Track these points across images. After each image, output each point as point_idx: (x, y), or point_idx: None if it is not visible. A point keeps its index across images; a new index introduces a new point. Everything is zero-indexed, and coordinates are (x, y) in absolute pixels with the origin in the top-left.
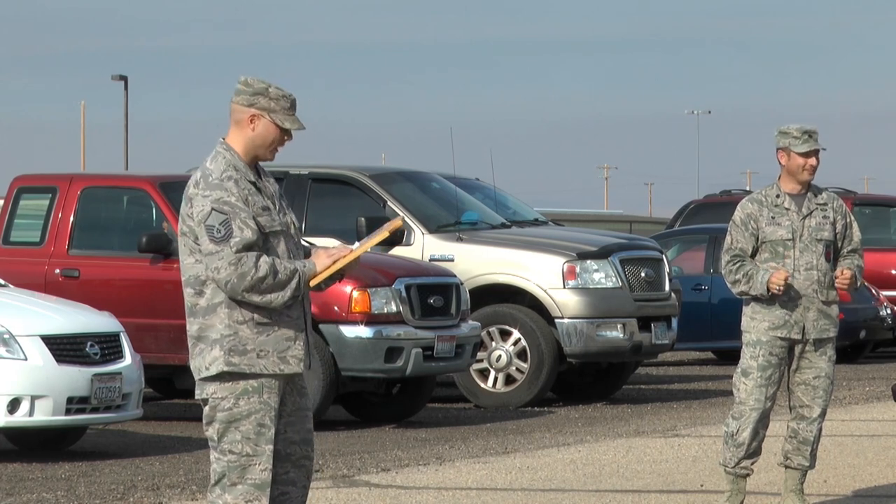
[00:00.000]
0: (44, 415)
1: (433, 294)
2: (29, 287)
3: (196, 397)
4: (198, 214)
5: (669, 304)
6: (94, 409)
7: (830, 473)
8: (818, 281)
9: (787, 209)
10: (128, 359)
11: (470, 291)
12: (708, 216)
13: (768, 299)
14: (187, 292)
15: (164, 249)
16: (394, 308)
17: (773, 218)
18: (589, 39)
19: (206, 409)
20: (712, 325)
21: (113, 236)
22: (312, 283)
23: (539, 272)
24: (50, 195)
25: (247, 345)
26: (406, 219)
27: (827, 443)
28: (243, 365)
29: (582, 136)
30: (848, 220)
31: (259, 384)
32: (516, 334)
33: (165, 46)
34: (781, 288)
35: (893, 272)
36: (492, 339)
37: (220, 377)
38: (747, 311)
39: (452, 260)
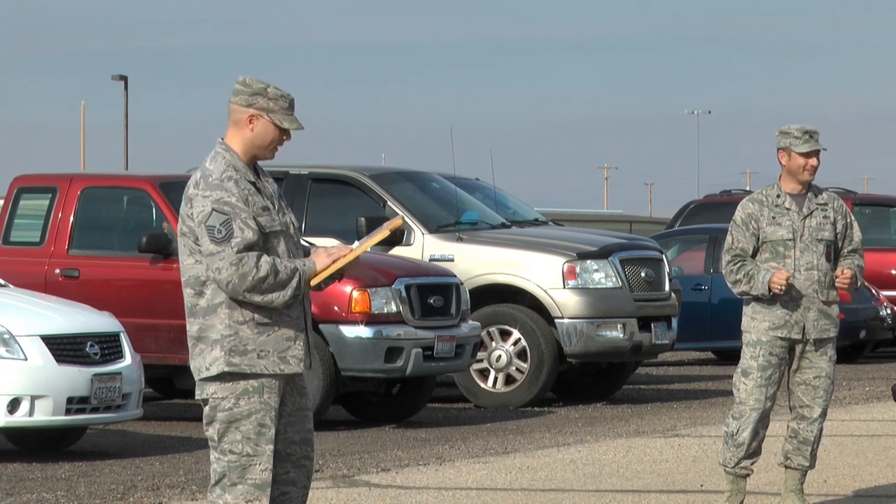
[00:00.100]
0: (44, 415)
1: (433, 294)
2: (29, 287)
3: (196, 397)
4: (198, 215)
5: (669, 304)
6: (94, 409)
7: (830, 473)
8: (818, 281)
9: (788, 209)
10: (128, 359)
11: (470, 291)
12: (708, 216)
13: (769, 299)
14: (187, 293)
15: (164, 249)
16: (394, 308)
17: (773, 218)
18: (589, 39)
19: (206, 410)
20: (712, 325)
21: (113, 236)
22: (312, 282)
23: (539, 272)
24: (50, 195)
25: (247, 345)
26: (406, 219)
27: (827, 443)
28: (244, 365)
29: (582, 136)
30: (848, 220)
31: (259, 384)
32: (516, 334)
33: (165, 46)
34: (783, 288)
35: (893, 272)
36: (492, 339)
37: (221, 377)
38: (748, 311)
39: (452, 260)
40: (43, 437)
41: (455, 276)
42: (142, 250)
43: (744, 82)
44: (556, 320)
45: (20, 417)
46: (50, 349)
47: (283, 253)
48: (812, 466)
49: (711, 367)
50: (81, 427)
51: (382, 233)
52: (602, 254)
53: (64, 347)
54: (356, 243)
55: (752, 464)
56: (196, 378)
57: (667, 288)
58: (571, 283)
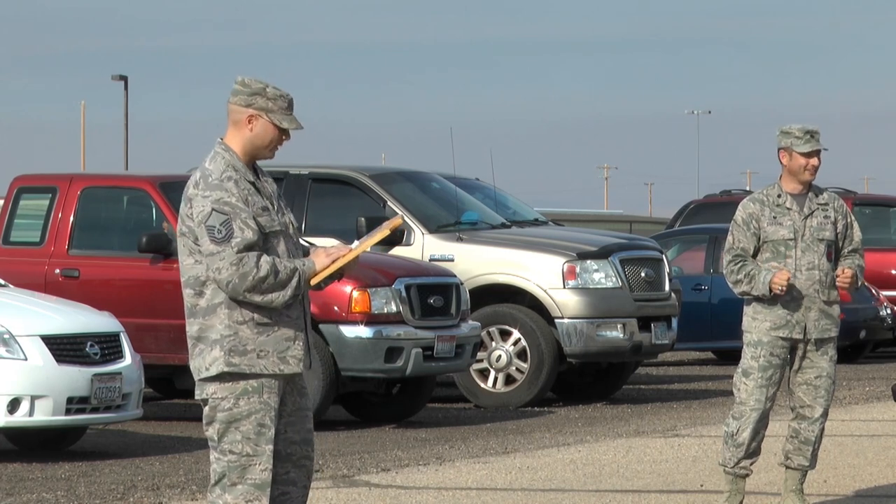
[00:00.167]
0: (44, 415)
1: (433, 294)
2: (29, 287)
3: (196, 397)
4: (198, 215)
5: (669, 304)
6: (94, 409)
7: (830, 473)
8: (820, 281)
9: (789, 209)
10: (128, 359)
11: (470, 291)
12: (708, 216)
13: (770, 299)
14: (187, 293)
15: (164, 249)
16: (394, 308)
17: (774, 218)
18: (589, 39)
19: (206, 410)
20: (712, 325)
21: (113, 236)
22: (312, 282)
23: (539, 272)
24: (50, 195)
25: (247, 345)
26: (406, 219)
27: (827, 443)
28: (243, 365)
29: (582, 136)
30: (849, 220)
31: (259, 384)
32: (516, 334)
33: (165, 46)
34: (784, 289)
35: (893, 272)
36: (492, 339)
37: (220, 377)
38: (748, 311)
39: (452, 260)
40: (43, 437)
41: (455, 276)
42: (142, 250)
43: (744, 82)
44: (556, 320)
45: (20, 417)
46: (50, 349)
47: (283, 253)
48: (812, 467)
49: (711, 367)
50: (81, 427)
51: (382, 232)
52: (602, 254)
53: (64, 347)
54: (355, 243)
55: (751, 464)
56: (196, 378)
57: (667, 288)
58: (571, 283)
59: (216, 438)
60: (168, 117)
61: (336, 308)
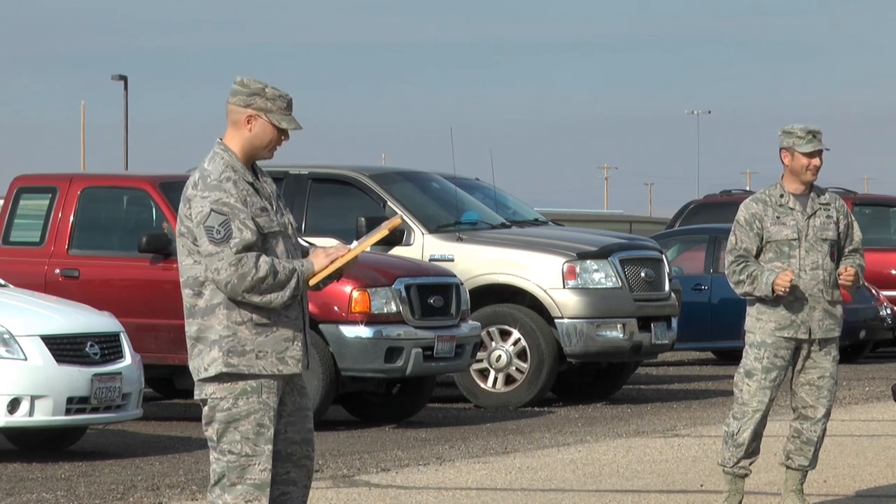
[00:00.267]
0: (44, 415)
1: (433, 294)
2: (29, 287)
3: (195, 398)
4: (197, 215)
5: (669, 304)
6: (94, 409)
7: (830, 473)
8: (823, 280)
9: (792, 209)
10: (128, 359)
11: (470, 291)
12: (708, 216)
13: (773, 300)
14: (186, 293)
15: (164, 249)
16: (394, 308)
17: (777, 218)
18: (589, 39)
19: (205, 410)
20: (712, 325)
21: (113, 236)
22: (311, 282)
23: (539, 272)
24: (50, 195)
25: (245, 345)
26: (406, 219)
27: (827, 443)
28: (242, 366)
29: (582, 136)
30: (850, 220)
31: (258, 384)
32: (516, 334)
33: (165, 46)
34: (787, 290)
35: (893, 272)
36: (492, 339)
37: (219, 378)
38: (752, 311)
39: (452, 260)
40: (43, 437)
41: (455, 276)
42: (142, 250)
43: (744, 82)
44: (556, 320)
45: (20, 417)
46: (50, 349)
47: (282, 253)
48: (813, 467)
49: (711, 367)
50: (81, 427)
51: (381, 232)
52: (602, 254)
53: (64, 347)
54: (355, 243)
55: (750, 464)
56: (195, 378)
57: (667, 288)
58: (571, 283)
59: (215, 439)
60: (168, 117)
61: (336, 308)
